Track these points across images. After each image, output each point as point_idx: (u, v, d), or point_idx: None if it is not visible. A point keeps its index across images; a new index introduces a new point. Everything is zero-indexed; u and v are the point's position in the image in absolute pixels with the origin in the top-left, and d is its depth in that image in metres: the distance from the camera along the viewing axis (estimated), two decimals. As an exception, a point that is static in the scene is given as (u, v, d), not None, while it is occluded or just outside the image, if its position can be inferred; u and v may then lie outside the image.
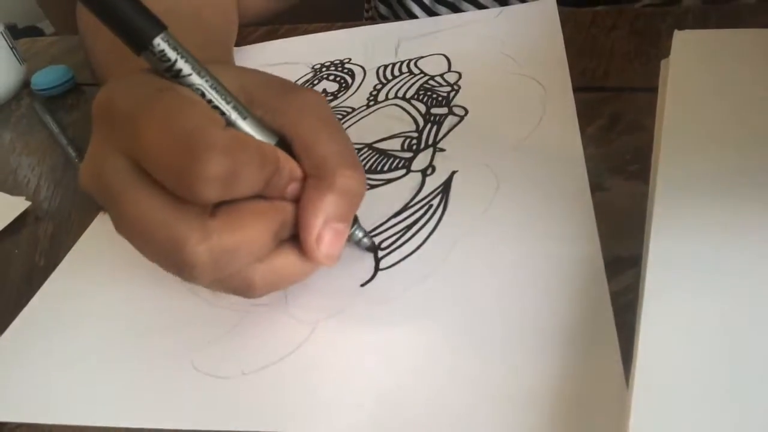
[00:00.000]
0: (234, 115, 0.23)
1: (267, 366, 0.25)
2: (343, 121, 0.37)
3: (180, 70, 0.22)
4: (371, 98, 0.39)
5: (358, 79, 0.41)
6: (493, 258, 0.27)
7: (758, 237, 0.23)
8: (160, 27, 0.22)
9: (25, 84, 0.52)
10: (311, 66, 0.44)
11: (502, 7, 0.44)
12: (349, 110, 0.38)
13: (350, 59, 0.43)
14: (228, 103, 0.23)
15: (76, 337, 0.28)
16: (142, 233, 0.22)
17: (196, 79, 0.22)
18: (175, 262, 0.22)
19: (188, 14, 0.38)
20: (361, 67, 0.42)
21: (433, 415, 0.22)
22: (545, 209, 0.29)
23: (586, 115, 0.33)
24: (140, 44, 0.21)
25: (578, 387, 0.22)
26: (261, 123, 0.24)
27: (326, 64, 0.43)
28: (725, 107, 0.30)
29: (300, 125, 0.24)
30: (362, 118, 0.37)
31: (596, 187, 0.29)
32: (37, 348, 0.28)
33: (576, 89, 0.35)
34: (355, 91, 0.40)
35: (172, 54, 0.22)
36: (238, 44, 0.48)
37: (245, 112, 0.23)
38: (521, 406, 0.22)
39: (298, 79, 0.42)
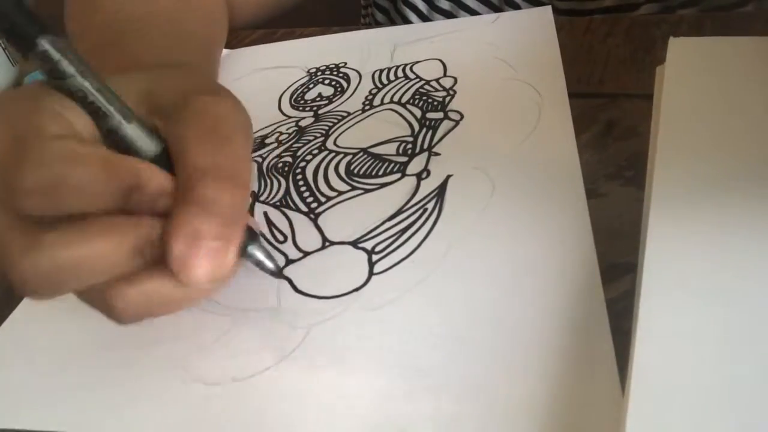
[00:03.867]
0: (110, 121, 0.21)
1: (258, 373, 0.25)
2: (338, 125, 0.37)
3: (63, 72, 0.21)
4: (367, 103, 0.39)
5: (354, 83, 0.41)
6: (488, 263, 0.27)
7: (754, 243, 0.23)
8: (44, 30, 0.21)
9: (18, 86, 0.51)
10: (306, 70, 0.43)
11: (498, 14, 0.44)
12: (345, 114, 0.38)
13: (346, 63, 0.43)
14: (100, 108, 0.21)
15: (63, 344, 0.28)
16: None
17: (76, 82, 0.21)
18: (7, 276, 0.20)
19: (167, 18, 0.37)
20: (357, 71, 0.42)
21: (427, 421, 0.22)
22: (540, 214, 0.28)
23: (581, 121, 0.33)
24: (26, 46, 0.21)
25: (573, 394, 0.22)
26: (149, 130, 0.22)
27: (321, 68, 0.43)
28: (720, 114, 0.30)
29: (182, 134, 0.22)
30: (357, 122, 0.37)
31: (592, 192, 0.29)
32: (23, 356, 0.28)
33: (571, 95, 0.35)
34: (351, 95, 0.40)
35: (55, 55, 0.21)
36: (233, 47, 0.48)
37: (119, 119, 0.22)
38: (516, 412, 0.21)
39: (293, 83, 0.42)
